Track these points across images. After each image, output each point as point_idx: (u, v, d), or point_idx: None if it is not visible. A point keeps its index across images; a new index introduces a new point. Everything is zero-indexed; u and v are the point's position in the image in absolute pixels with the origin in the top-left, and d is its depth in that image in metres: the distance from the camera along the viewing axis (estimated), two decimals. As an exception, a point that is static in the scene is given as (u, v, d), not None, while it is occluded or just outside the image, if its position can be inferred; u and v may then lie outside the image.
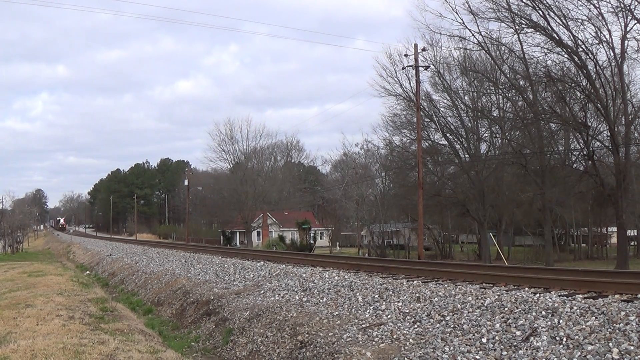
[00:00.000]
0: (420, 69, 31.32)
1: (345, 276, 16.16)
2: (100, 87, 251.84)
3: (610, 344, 7.82)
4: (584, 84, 33.71)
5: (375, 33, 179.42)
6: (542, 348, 8.29)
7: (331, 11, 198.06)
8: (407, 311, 11.51)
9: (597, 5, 31.36)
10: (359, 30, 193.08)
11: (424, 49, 32.02)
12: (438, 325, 10.33)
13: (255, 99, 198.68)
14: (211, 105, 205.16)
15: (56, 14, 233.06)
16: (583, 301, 9.70)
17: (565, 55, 33.32)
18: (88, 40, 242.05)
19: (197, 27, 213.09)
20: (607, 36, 31.94)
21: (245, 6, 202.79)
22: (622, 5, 30.87)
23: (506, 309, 10.10)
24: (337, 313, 12.57)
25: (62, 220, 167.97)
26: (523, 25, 33.98)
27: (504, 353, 8.53)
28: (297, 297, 14.82)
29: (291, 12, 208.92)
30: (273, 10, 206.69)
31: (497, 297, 10.87)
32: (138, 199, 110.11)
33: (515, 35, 34.87)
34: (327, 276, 16.62)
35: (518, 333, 9.01)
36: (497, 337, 9.08)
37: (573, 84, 34.29)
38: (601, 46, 32.19)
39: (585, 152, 35.60)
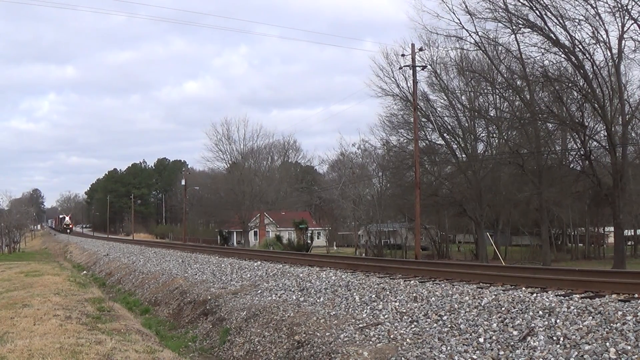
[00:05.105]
0: (418, 69, 31.32)
1: (343, 276, 16.16)
2: (108, 87, 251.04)
3: (608, 343, 7.83)
4: (581, 84, 33.77)
5: (383, 35, 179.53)
6: (539, 348, 8.30)
7: (342, 14, 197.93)
8: (404, 311, 11.51)
9: (594, 5, 31.47)
10: (368, 33, 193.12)
11: (421, 49, 32.02)
12: (435, 325, 10.33)
13: (262, 99, 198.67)
14: (217, 106, 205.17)
15: (70, 16, 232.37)
16: (580, 301, 9.71)
17: (562, 55, 33.40)
18: (100, 42, 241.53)
19: (209, 29, 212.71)
20: (604, 36, 32.06)
21: (258, 8, 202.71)
22: (619, 5, 30.96)
23: (503, 308, 10.11)
24: (334, 313, 12.57)
25: (67, 219, 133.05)
26: (520, 26, 34.07)
27: (501, 353, 8.54)
28: (294, 297, 14.81)
29: (303, 15, 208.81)
30: (285, 12, 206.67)
31: (494, 296, 10.88)
32: (135, 199, 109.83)
33: (512, 36, 34.99)
34: (324, 276, 16.62)
35: (515, 333, 9.02)
36: (494, 337, 9.09)
37: (570, 84, 34.35)
38: (598, 46, 32.32)
39: (582, 152, 35.69)
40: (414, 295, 12.30)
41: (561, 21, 32.10)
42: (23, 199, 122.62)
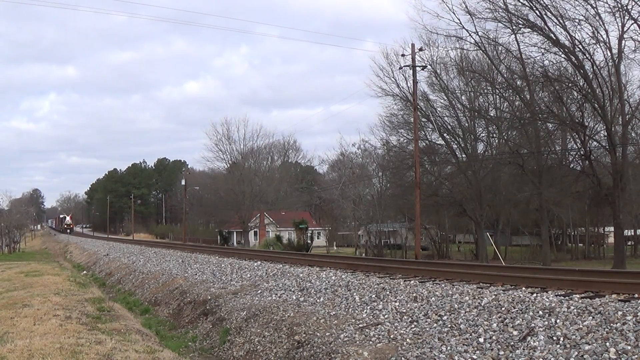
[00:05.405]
0: (418, 69, 31.31)
1: (343, 276, 16.16)
2: (109, 87, 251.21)
3: (607, 343, 7.83)
4: (581, 83, 33.77)
5: (383, 35, 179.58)
6: (539, 348, 8.30)
7: (342, 14, 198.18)
8: (404, 311, 11.51)
9: (594, 5, 31.47)
10: (368, 33, 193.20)
11: (421, 49, 32.00)
12: (435, 325, 10.33)
13: (262, 99, 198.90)
14: (217, 106, 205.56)
15: (71, 16, 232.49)
16: (580, 301, 9.71)
17: (563, 55, 33.39)
18: (101, 42, 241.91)
19: (209, 29, 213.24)
20: (604, 36, 32.05)
21: (258, 8, 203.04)
22: (619, 5, 30.96)
23: (503, 308, 10.11)
24: (334, 313, 12.57)
25: (68, 219, 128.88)
26: (520, 26, 34.06)
27: (501, 353, 8.53)
28: (294, 297, 14.81)
29: (303, 15, 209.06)
30: (285, 12, 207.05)
31: (494, 296, 10.88)
32: (135, 199, 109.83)
33: (512, 36, 34.98)
34: (324, 276, 16.62)
35: (515, 333, 9.02)
36: (494, 337, 9.09)
37: (570, 84, 34.35)
38: (598, 46, 32.31)
39: (582, 152, 35.69)
40: (414, 295, 12.30)
41: (561, 21, 32.11)
42: (23, 199, 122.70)
